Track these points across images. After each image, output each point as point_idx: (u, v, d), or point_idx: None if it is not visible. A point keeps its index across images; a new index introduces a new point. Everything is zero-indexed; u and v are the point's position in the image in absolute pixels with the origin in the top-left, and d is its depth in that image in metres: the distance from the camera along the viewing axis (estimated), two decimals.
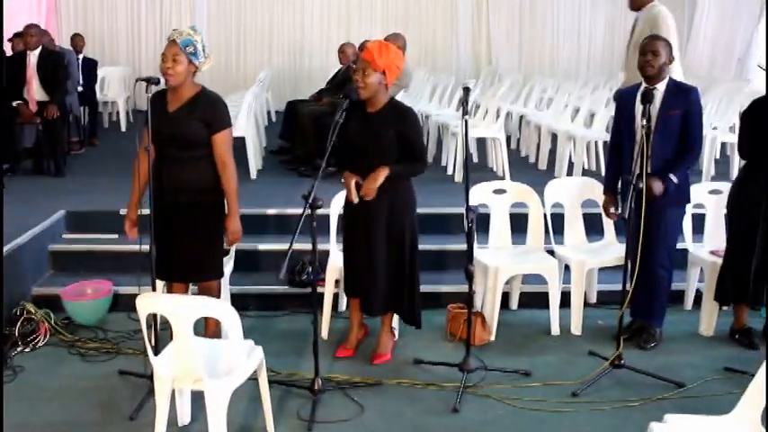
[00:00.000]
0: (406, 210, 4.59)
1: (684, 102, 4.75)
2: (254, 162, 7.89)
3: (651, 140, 4.61)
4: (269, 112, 11.58)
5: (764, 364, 3.04)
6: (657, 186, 4.64)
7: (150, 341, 3.70)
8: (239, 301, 5.37)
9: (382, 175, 4.37)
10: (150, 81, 4.12)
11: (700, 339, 5.23)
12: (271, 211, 6.32)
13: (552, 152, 8.42)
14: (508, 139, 9.55)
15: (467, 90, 4.44)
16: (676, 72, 6.26)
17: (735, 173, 7.90)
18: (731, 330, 5.21)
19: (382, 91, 4.45)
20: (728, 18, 12.08)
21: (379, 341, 4.84)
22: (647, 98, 4.57)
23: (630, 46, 6.78)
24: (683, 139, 4.74)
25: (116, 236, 5.88)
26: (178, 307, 3.48)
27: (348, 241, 4.71)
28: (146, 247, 4.14)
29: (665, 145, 4.72)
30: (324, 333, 5.10)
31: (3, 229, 4.59)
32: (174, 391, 3.69)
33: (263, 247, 5.94)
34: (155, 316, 4.21)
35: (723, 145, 8.58)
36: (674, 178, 4.70)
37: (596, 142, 8.28)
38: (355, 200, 4.42)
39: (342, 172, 4.57)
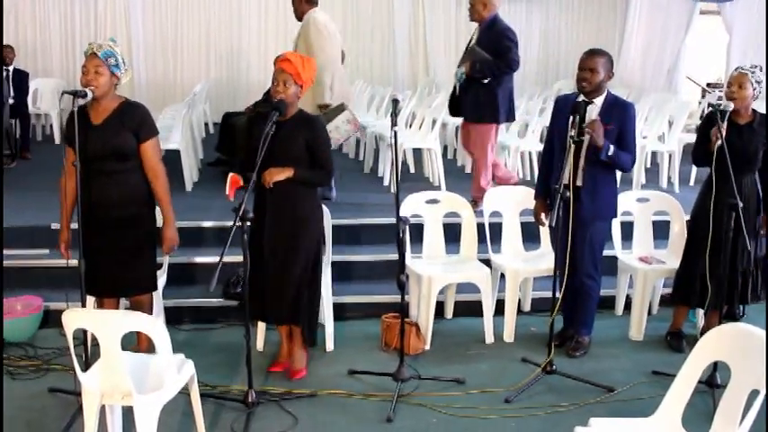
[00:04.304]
0: (308, 225, 4.54)
1: (620, 116, 4.69)
2: (190, 174, 7.82)
3: (584, 153, 4.67)
4: (207, 124, 11.49)
5: (684, 366, 3.14)
6: (601, 137, 4.56)
7: (83, 357, 3.65)
8: (174, 315, 5.37)
9: (286, 171, 4.37)
10: (77, 94, 4.09)
11: (630, 344, 5.35)
12: (206, 224, 6.27)
13: None
14: (445, 149, 9.67)
15: (395, 102, 4.49)
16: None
17: (664, 181, 8.12)
18: (667, 333, 5.32)
19: (296, 102, 4.49)
20: (658, 31, 12.40)
21: (293, 357, 4.76)
22: (577, 110, 4.61)
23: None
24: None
25: (47, 251, 5.79)
26: (104, 322, 3.43)
27: (251, 252, 4.60)
28: (75, 262, 4.09)
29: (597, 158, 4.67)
30: (259, 345, 5.08)
31: None
32: (105, 408, 3.64)
33: (198, 259, 5.89)
34: (85, 332, 4.15)
35: (654, 154, 8.78)
36: (611, 149, 4.59)
37: (530, 152, 8.41)
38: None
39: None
